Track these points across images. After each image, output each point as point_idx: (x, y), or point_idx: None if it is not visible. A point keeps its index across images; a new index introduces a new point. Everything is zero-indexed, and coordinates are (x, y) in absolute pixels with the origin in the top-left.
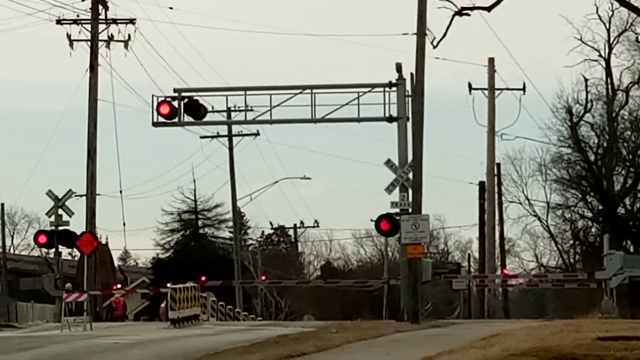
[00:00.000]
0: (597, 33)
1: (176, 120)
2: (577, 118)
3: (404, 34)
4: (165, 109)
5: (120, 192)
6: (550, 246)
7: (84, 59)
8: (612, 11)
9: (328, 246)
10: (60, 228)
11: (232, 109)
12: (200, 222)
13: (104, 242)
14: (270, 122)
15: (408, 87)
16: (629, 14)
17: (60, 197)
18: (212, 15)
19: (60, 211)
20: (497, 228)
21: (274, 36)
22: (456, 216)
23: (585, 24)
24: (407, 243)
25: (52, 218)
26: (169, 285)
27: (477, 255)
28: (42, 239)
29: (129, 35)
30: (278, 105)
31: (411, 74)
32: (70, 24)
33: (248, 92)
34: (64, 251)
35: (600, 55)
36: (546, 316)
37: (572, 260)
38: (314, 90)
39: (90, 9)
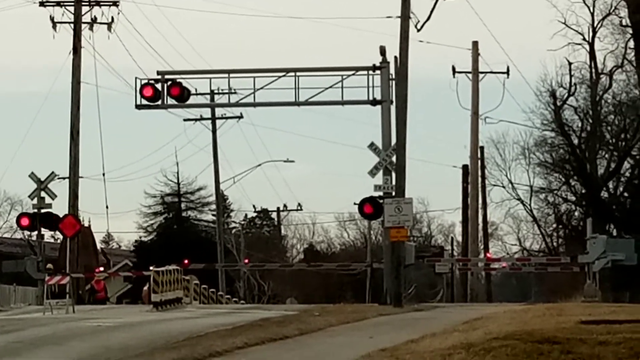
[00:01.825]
0: (581, 17)
1: (159, 102)
2: (560, 102)
3: (388, 17)
4: (148, 92)
5: (103, 174)
6: (533, 230)
7: (67, 41)
8: None
9: (311, 229)
10: (43, 211)
11: (216, 91)
12: (183, 205)
13: (86, 224)
14: (254, 105)
15: (392, 70)
16: None
17: (42, 179)
18: None
19: (42, 194)
20: (480, 212)
21: (258, 19)
22: (439, 200)
23: (569, 7)
24: (390, 226)
25: (35, 201)
26: (151, 268)
27: (460, 238)
28: (25, 221)
29: (112, 18)
30: (261, 88)
31: (395, 57)
32: (53, 5)
33: (231, 75)
34: (47, 234)
35: (584, 39)
36: (529, 300)
37: (555, 243)
38: (298, 73)
39: None
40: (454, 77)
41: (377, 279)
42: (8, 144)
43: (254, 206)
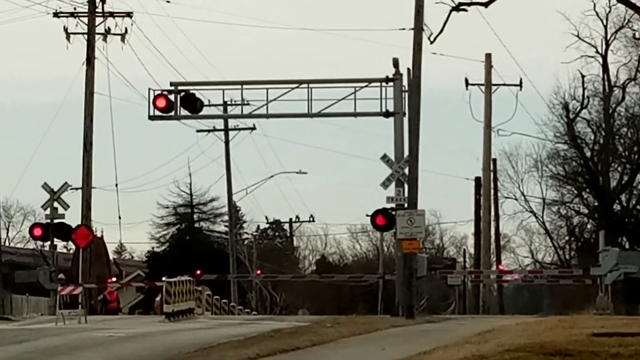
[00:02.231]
0: (595, 29)
1: (172, 113)
2: (573, 114)
3: (401, 29)
4: (161, 103)
5: (116, 185)
6: (545, 242)
7: (81, 52)
8: (610, 8)
9: (323, 241)
10: (56, 221)
11: (229, 102)
12: (195, 216)
13: (99, 235)
14: (267, 116)
15: (405, 82)
16: (626, 11)
17: (55, 190)
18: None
19: (55, 204)
20: (492, 224)
21: (272, 30)
22: (452, 212)
23: (582, 20)
24: (402, 238)
25: (48, 211)
26: (164, 278)
27: (472, 250)
28: (38, 231)
29: (126, 29)
30: (275, 99)
31: (408, 69)
32: (67, 16)
33: (245, 86)
34: (59, 244)
35: (597, 52)
36: (541, 312)
37: (567, 256)
38: (311, 85)
39: (87, 1)
40: (466, 89)
41: (389, 291)
42: (21, 154)
43: (266, 217)
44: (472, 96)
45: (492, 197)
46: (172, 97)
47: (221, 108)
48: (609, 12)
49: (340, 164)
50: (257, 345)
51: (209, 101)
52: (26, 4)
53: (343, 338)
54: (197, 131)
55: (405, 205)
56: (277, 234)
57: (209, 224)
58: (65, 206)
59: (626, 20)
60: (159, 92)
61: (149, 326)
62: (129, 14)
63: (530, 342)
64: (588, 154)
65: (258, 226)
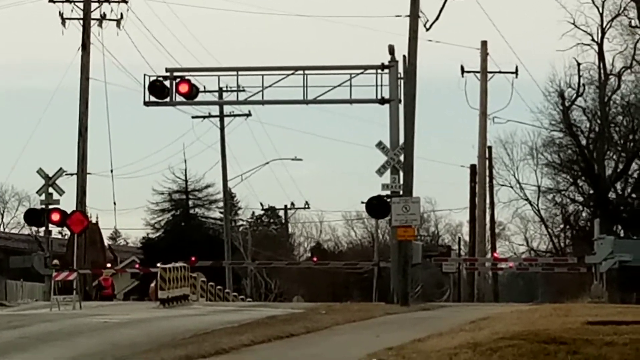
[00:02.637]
0: (590, 17)
1: (168, 99)
2: (569, 102)
3: (396, 16)
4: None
5: (111, 171)
6: (540, 230)
7: (76, 38)
8: None
9: (318, 228)
10: (51, 206)
11: (224, 89)
12: (190, 202)
13: (94, 221)
14: (262, 102)
15: (400, 69)
16: None
17: (50, 175)
18: None
19: (50, 190)
20: (487, 211)
21: (267, 17)
22: (447, 199)
23: (578, 8)
24: (397, 225)
25: (43, 196)
26: (158, 265)
27: (467, 238)
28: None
29: (122, 14)
30: (270, 86)
31: (403, 56)
32: (62, 2)
33: (240, 73)
34: (54, 230)
35: (593, 40)
36: (536, 300)
37: (562, 244)
38: (306, 72)
39: None
40: (462, 76)
41: (384, 278)
42: (16, 139)
43: (261, 204)
44: (467, 83)
45: (487, 185)
46: (167, 83)
47: (216, 94)
48: (605, 0)
49: (335, 151)
50: (251, 331)
51: (204, 87)
52: None
53: (337, 325)
54: (193, 117)
55: (401, 192)
56: (272, 220)
57: (204, 210)
58: (60, 192)
59: (622, 8)
60: (154, 78)
61: (144, 312)
62: (124, 0)
63: (524, 330)
64: (583, 142)
65: (253, 213)
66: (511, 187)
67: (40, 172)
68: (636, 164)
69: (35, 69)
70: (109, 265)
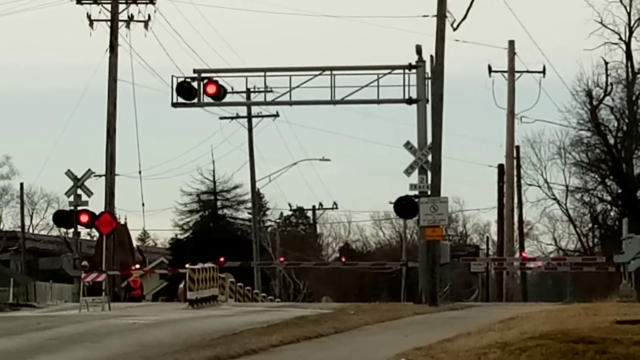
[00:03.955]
0: (618, 16)
1: (195, 101)
2: (596, 101)
3: (424, 16)
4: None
5: (140, 172)
6: (569, 229)
7: (104, 39)
8: None
9: (347, 228)
10: (80, 208)
11: (252, 90)
12: (219, 203)
13: (122, 222)
14: (290, 103)
15: (428, 69)
16: None
17: (79, 177)
18: None
19: (79, 191)
20: (515, 211)
21: (294, 17)
22: (475, 199)
23: (605, 7)
24: (425, 225)
25: (71, 198)
26: (187, 265)
27: (495, 238)
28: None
29: (149, 16)
30: (297, 86)
31: (431, 56)
32: (90, 3)
33: (267, 73)
34: (83, 231)
35: (620, 39)
36: (564, 299)
37: (590, 243)
38: (334, 72)
39: None
40: (490, 76)
41: (412, 278)
42: (45, 141)
43: (289, 204)
44: (495, 83)
45: (515, 185)
46: (195, 84)
47: (244, 95)
48: None
49: (363, 151)
50: (280, 332)
51: (232, 88)
52: None
53: (366, 325)
54: (220, 118)
55: (429, 192)
56: (300, 221)
57: (232, 211)
58: (89, 193)
59: None
60: (182, 79)
61: (173, 313)
62: (152, 1)
63: (553, 330)
64: (611, 141)
65: (281, 213)
66: (539, 186)
67: (68, 173)
68: None
69: (63, 71)
70: (137, 266)
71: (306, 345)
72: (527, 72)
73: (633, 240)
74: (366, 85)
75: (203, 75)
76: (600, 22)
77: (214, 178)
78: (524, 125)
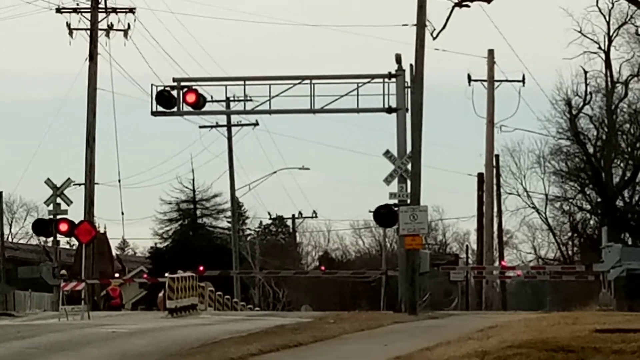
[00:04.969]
0: (597, 25)
1: (175, 109)
2: (576, 110)
3: (403, 25)
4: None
5: (119, 181)
6: (548, 238)
7: (84, 48)
8: (612, 3)
9: (326, 237)
10: (59, 217)
11: (231, 98)
12: (198, 212)
13: (102, 231)
14: (269, 112)
15: (407, 78)
16: (629, 7)
17: (58, 185)
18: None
19: (58, 200)
20: (495, 220)
21: (274, 26)
22: (454, 208)
23: (585, 16)
24: (405, 234)
25: (51, 207)
26: (166, 274)
27: (475, 246)
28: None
29: (129, 24)
30: (277, 95)
31: (410, 65)
32: (69, 12)
33: (247, 82)
34: (62, 240)
35: (599, 48)
36: (544, 308)
37: (570, 252)
38: (313, 81)
39: None
40: (469, 85)
41: (392, 287)
42: (24, 149)
43: (269, 213)
44: (474, 92)
45: (494, 193)
46: (174, 92)
47: (224, 104)
48: (612, 8)
49: (342, 160)
50: (259, 341)
51: (212, 97)
52: (29, 0)
53: (346, 334)
54: (200, 127)
55: (408, 201)
56: (279, 229)
57: (211, 220)
58: (69, 202)
59: (629, 17)
60: (162, 87)
61: (152, 322)
62: (131, 10)
63: (532, 339)
64: (591, 150)
65: (261, 222)
66: (519, 195)
67: (48, 182)
68: None
69: (43, 79)
70: (117, 275)
71: (286, 354)
72: (507, 81)
73: (612, 249)
74: (346, 94)
75: (182, 84)
76: (580, 32)
77: (193, 187)
78: (504, 134)
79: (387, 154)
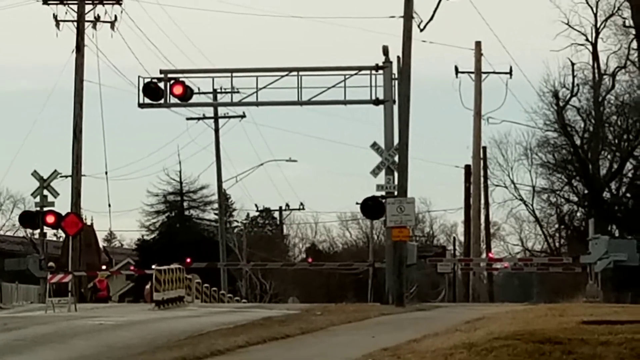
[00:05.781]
0: (584, 17)
1: (162, 101)
2: (563, 102)
3: (391, 17)
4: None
5: (106, 173)
6: (535, 230)
7: (71, 40)
8: None
9: (313, 229)
10: (46, 209)
11: (218, 90)
12: (185, 204)
13: (89, 223)
14: (257, 104)
15: (395, 70)
16: None
17: (45, 177)
18: None
19: (45, 192)
20: (482, 212)
21: (261, 18)
22: (442, 199)
23: (572, 8)
24: (392, 226)
25: (37, 199)
26: (153, 266)
27: (462, 238)
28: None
29: (116, 16)
30: (264, 87)
31: (398, 57)
32: (56, 4)
33: (234, 74)
34: (49, 232)
35: (587, 40)
36: (531, 300)
37: (557, 244)
38: (301, 73)
39: None
40: (456, 77)
41: (379, 279)
42: (11, 141)
43: (256, 205)
44: (462, 84)
45: (482, 185)
46: (161, 84)
47: (211, 96)
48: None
49: (330, 152)
50: (246, 333)
51: (199, 89)
52: None
53: (333, 326)
54: (187, 119)
55: (395, 193)
56: (267, 222)
57: (198, 212)
58: (55, 194)
59: (616, 8)
60: (149, 79)
61: (139, 314)
62: (118, 2)
63: (520, 330)
64: (578, 142)
65: (248, 214)
66: (506, 187)
67: (34, 174)
68: (630, 164)
69: (30, 71)
70: (104, 267)
71: (273, 346)
72: (494, 73)
73: (599, 241)
74: (333, 86)
75: (169, 75)
76: (567, 23)
77: (180, 179)
78: (491, 126)
79: (375, 146)
